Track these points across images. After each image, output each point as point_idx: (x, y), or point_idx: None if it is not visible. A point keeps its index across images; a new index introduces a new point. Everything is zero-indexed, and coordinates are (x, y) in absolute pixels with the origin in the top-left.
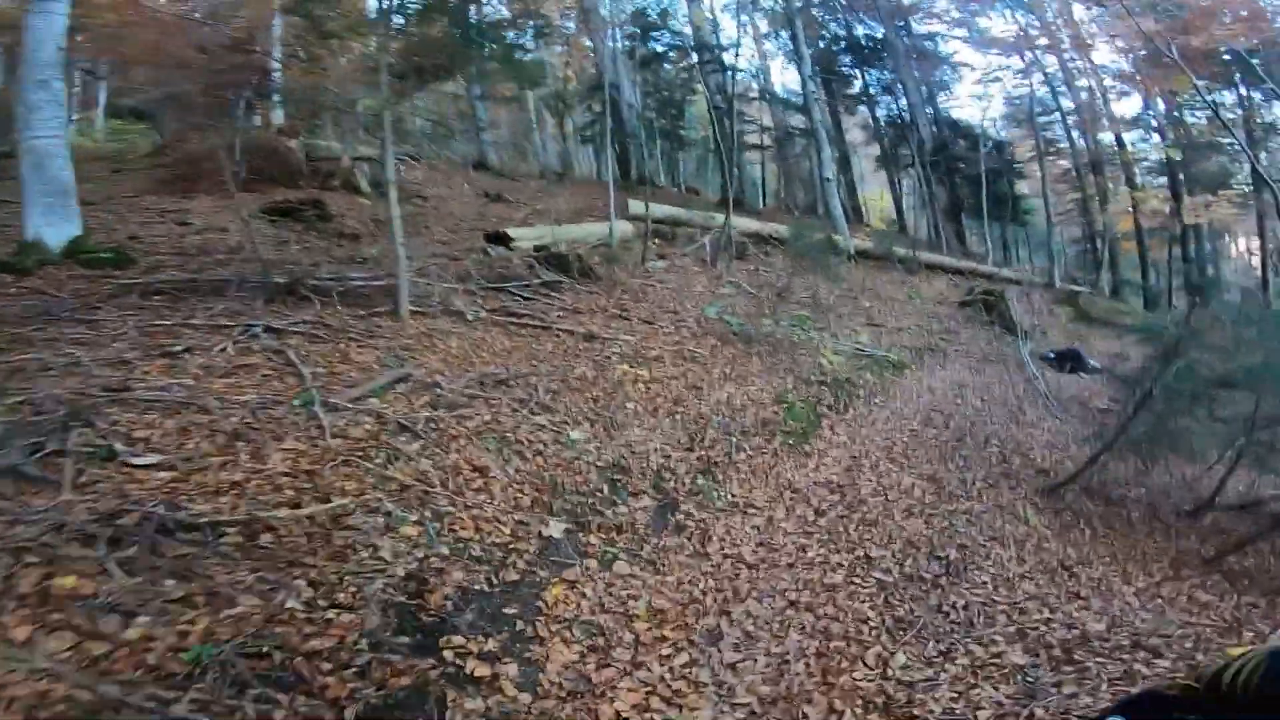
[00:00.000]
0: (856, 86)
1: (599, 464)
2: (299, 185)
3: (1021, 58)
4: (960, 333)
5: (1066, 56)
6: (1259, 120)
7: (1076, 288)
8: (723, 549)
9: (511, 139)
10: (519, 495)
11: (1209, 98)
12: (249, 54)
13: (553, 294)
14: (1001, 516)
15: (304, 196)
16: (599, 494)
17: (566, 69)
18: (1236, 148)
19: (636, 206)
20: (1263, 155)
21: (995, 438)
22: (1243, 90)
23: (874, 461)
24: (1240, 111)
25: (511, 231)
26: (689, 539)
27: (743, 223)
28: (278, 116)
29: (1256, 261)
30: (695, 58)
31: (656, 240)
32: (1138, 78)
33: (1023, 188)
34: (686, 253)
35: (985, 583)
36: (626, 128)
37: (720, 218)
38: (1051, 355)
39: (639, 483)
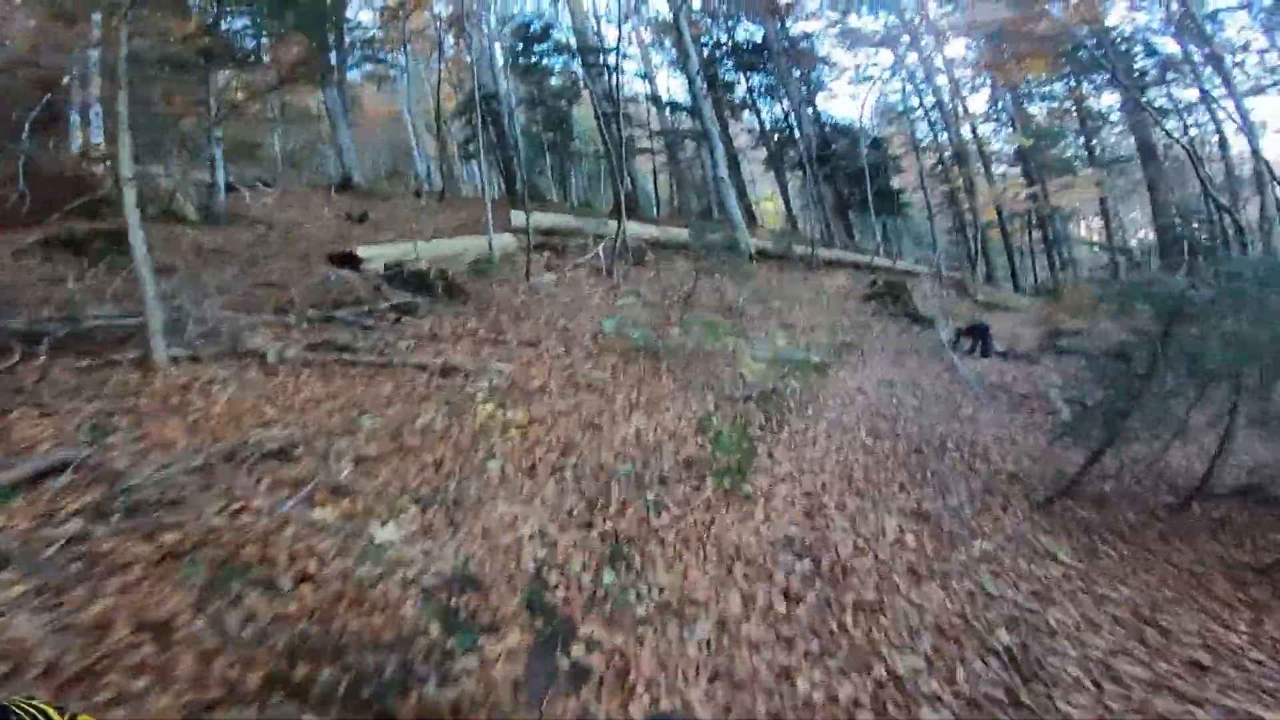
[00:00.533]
0: (740, 92)
1: (427, 583)
2: (102, 215)
3: (894, 52)
4: (871, 326)
5: (925, 54)
6: (1090, 108)
7: (959, 275)
8: (654, 705)
9: (392, 160)
10: (235, 677)
11: (1045, 89)
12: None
13: (407, 320)
14: (1024, 557)
15: (106, 227)
16: (419, 643)
17: (444, 85)
18: (1075, 133)
19: (522, 219)
20: (1095, 141)
21: (949, 440)
22: (1072, 82)
23: (837, 497)
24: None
25: (361, 251)
26: (597, 698)
27: (639, 229)
28: (85, 138)
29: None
30: (579, 63)
31: (547, 253)
32: (983, 66)
33: (898, 182)
34: (580, 264)
35: (1079, 679)
36: (508, 140)
37: (614, 225)
38: (958, 334)
39: (501, 605)
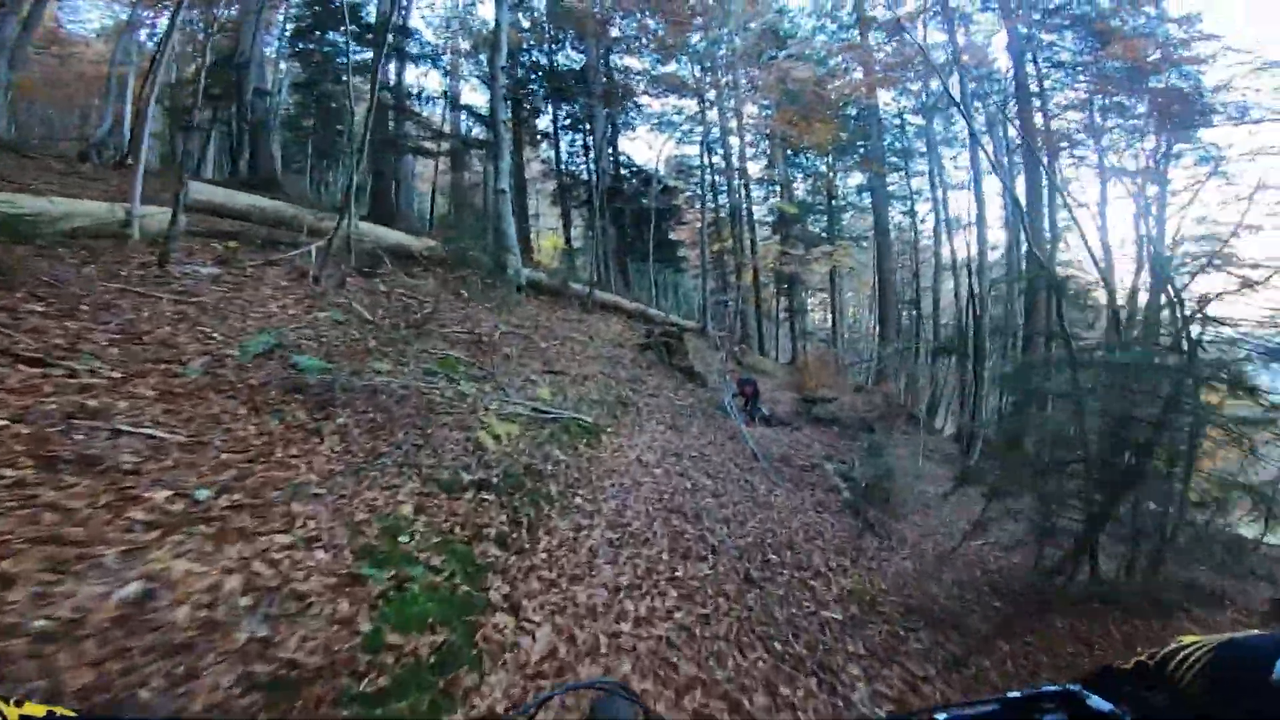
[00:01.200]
0: (544, 123)
1: None
2: None
3: (699, 103)
4: (646, 380)
5: (725, 109)
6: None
7: (725, 335)
8: None
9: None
10: None
11: (809, 162)
12: None
13: None
14: None
15: None
16: None
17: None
18: (823, 209)
19: (207, 194)
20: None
21: (769, 548)
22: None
23: None
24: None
25: None
26: None
27: (381, 232)
28: None
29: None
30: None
31: (231, 243)
32: (777, 121)
33: (675, 235)
34: (276, 261)
35: None
36: (247, 113)
37: (341, 221)
38: (734, 390)
39: None
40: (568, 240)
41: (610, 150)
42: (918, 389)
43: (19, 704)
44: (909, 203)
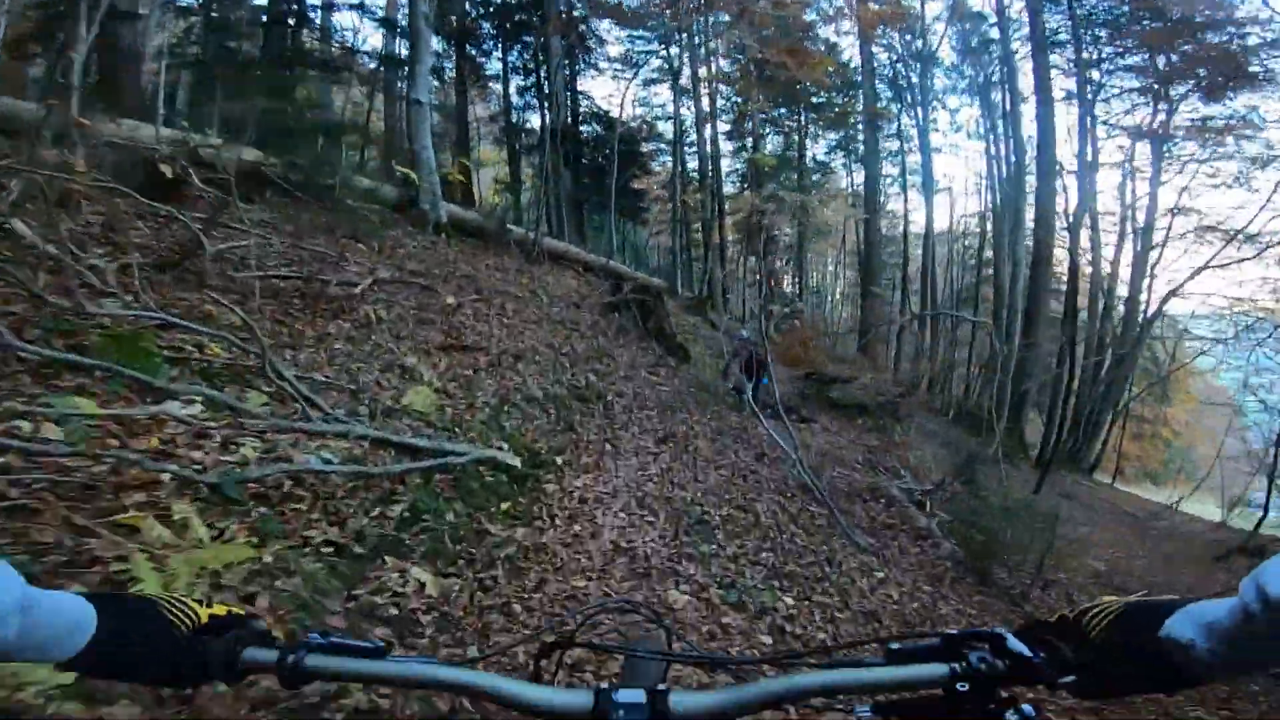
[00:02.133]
0: (495, 65)
1: None
2: None
3: (666, 45)
4: (615, 356)
5: (699, 54)
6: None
7: (698, 296)
8: None
9: None
10: None
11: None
12: None
13: None
14: None
15: None
16: None
17: None
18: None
19: None
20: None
21: None
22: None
23: None
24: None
25: None
26: None
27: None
28: None
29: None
30: None
31: None
32: (739, 74)
33: (639, 186)
34: None
35: None
36: (120, 41)
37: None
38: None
39: None
40: (515, 183)
41: (568, 90)
42: (916, 362)
43: (209, 604)
44: (899, 158)
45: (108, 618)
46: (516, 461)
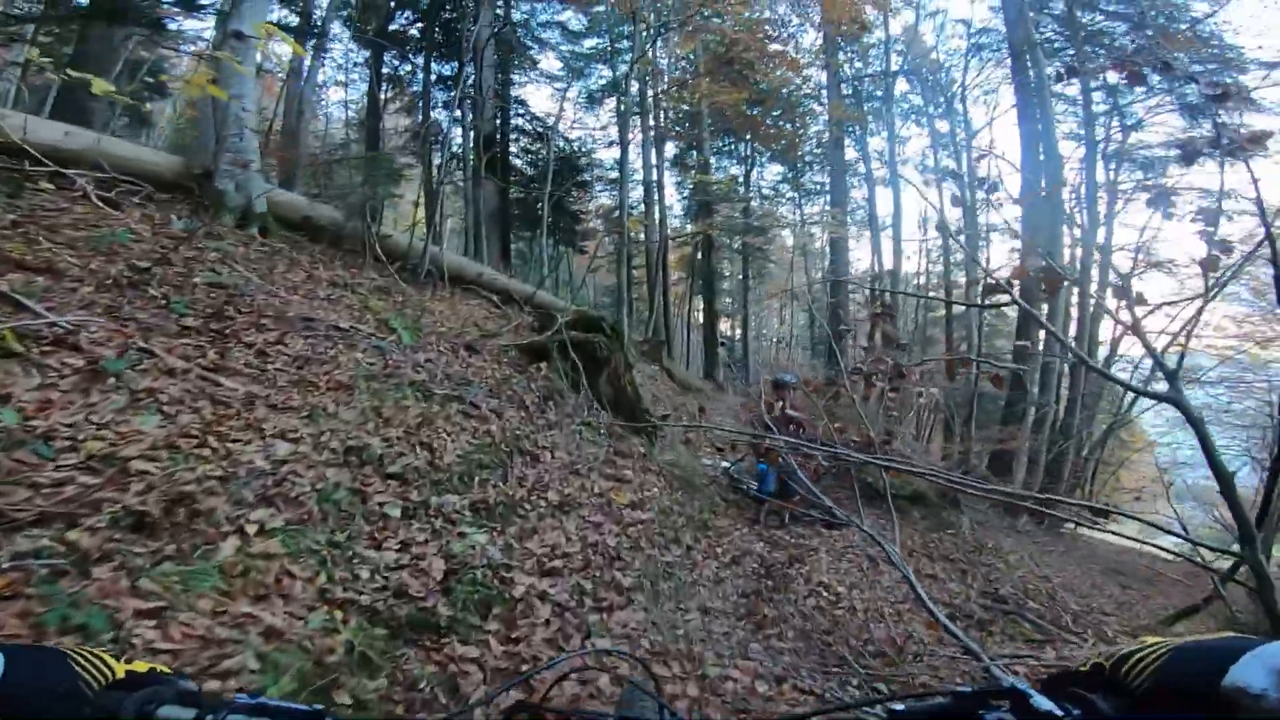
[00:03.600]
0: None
1: None
2: None
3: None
4: (542, 445)
5: (647, 72)
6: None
7: (649, 340)
8: None
9: None
10: None
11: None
12: None
13: None
14: None
15: None
16: None
17: None
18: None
19: None
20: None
21: None
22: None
23: None
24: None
25: None
26: None
27: None
28: None
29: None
30: None
31: None
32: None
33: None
34: None
35: None
36: None
37: None
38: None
39: None
40: (429, 213)
41: (498, 93)
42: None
43: (128, 660)
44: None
45: (13, 667)
46: None
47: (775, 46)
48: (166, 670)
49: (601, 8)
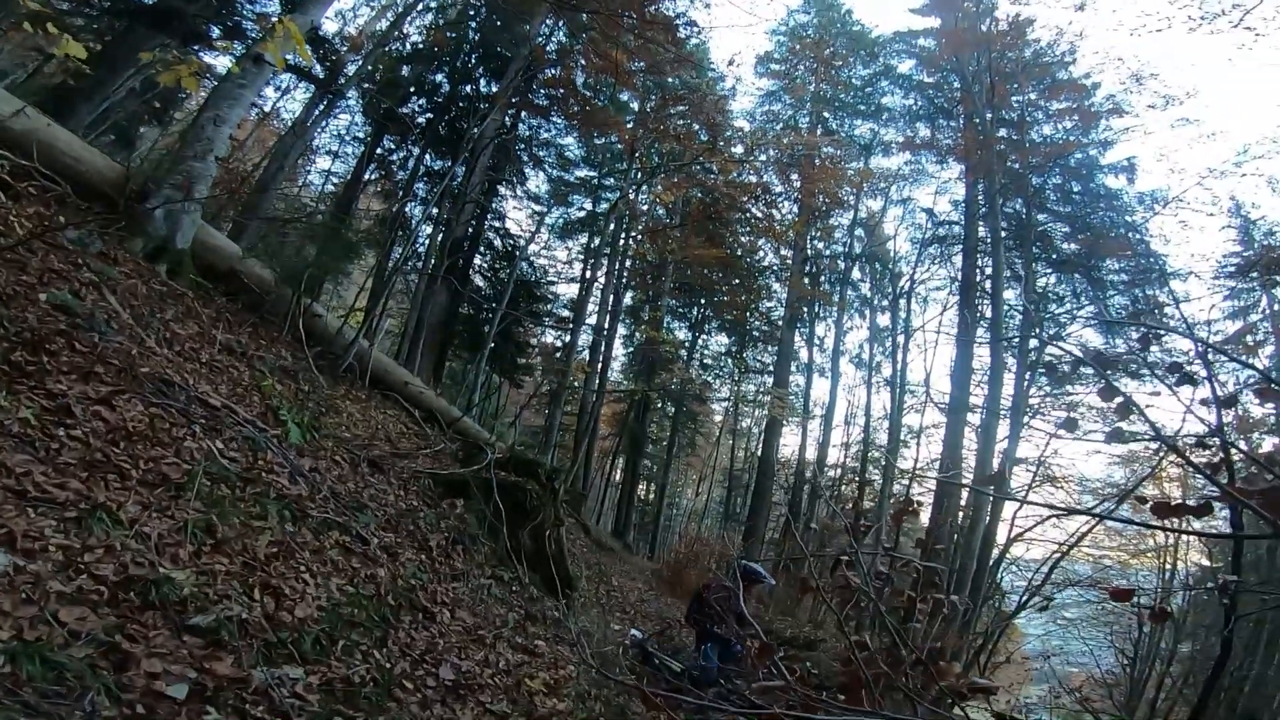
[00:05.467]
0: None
1: None
2: None
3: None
4: (443, 617)
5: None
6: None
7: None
8: None
9: None
10: None
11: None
12: None
13: None
14: None
15: None
16: None
17: None
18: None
19: None
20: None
21: None
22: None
23: None
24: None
25: None
26: None
27: None
28: None
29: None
30: None
31: None
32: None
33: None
34: None
35: None
36: None
37: None
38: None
39: None
40: (370, 303)
41: (475, 200)
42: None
43: None
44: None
45: None
46: None
47: (757, 211)
48: None
49: (602, 140)
